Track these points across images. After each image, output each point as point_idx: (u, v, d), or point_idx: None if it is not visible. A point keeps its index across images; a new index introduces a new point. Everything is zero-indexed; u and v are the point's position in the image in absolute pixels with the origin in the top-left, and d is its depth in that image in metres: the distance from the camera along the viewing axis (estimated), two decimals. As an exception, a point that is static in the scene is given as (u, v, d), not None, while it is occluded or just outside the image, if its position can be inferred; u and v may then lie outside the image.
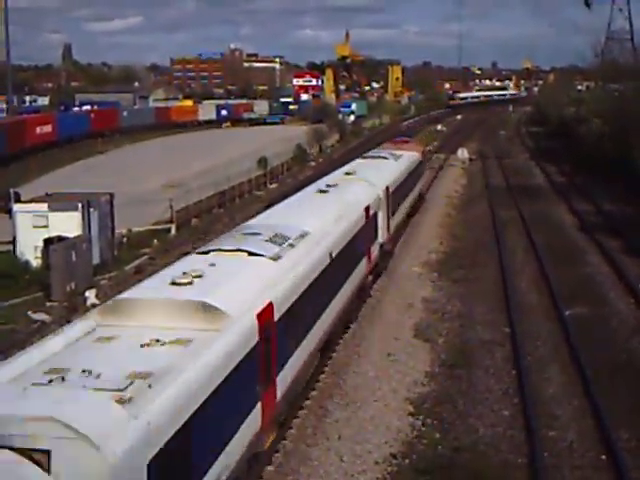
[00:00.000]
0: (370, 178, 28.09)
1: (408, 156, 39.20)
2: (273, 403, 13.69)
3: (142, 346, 10.67)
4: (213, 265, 13.94)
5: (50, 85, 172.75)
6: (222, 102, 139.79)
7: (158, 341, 10.80)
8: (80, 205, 29.75)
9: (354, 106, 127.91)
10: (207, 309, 11.82)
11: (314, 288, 16.19)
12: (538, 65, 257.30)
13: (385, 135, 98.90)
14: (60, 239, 27.97)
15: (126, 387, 9.23)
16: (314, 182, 28.10)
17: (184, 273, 13.12)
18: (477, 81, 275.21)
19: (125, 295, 12.77)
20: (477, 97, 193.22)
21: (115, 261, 31.77)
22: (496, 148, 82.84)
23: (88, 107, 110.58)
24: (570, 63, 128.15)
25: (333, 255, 18.64)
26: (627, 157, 46.91)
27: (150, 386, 9.40)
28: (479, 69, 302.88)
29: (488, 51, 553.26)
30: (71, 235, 28.36)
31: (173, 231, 38.31)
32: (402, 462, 15.36)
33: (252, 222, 19.84)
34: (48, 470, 8.14)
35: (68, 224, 29.15)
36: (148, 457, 8.82)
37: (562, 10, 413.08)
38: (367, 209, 24.38)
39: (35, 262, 29.03)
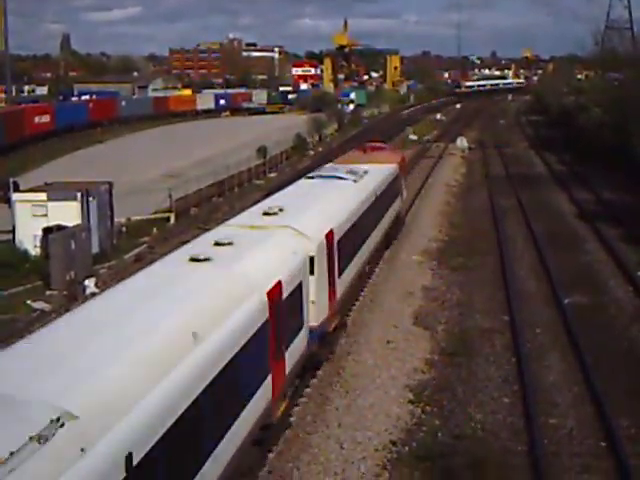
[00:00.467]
0: (302, 221, 18.30)
1: (378, 171, 28.65)
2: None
3: None
4: None
5: (49, 75, 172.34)
6: (220, 91, 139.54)
7: None
8: (79, 194, 29.72)
9: (353, 95, 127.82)
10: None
11: None
12: (537, 54, 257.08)
13: (385, 125, 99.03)
14: (59, 228, 27.97)
15: None
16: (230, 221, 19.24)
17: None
18: (476, 70, 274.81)
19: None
20: (483, 85, 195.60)
21: (114, 250, 31.76)
22: (496, 137, 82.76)
23: (87, 97, 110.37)
24: (570, 52, 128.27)
25: None
26: (627, 145, 46.85)
27: None
28: (478, 58, 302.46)
29: (487, 40, 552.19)
30: (70, 224, 28.34)
31: (172, 220, 38.30)
32: (402, 449, 15.38)
33: None
34: None
35: (67, 213, 29.12)
36: None
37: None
38: (274, 291, 14.35)
39: (34, 251, 29.02)
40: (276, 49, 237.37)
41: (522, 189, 46.27)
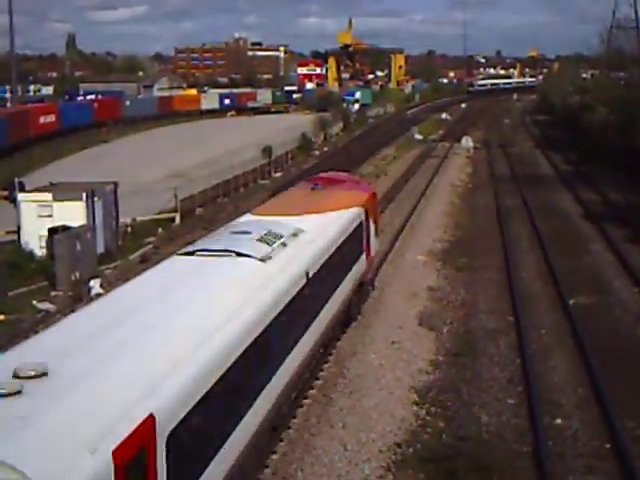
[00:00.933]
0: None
1: (322, 228, 18.55)
2: None
3: None
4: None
5: (54, 75, 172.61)
6: (225, 91, 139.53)
7: None
8: (84, 194, 29.74)
9: (358, 94, 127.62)
10: None
11: None
12: (543, 53, 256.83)
13: (390, 124, 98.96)
14: (64, 228, 28.00)
15: None
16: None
17: None
18: (481, 69, 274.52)
19: None
20: (497, 84, 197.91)
21: (119, 250, 31.78)
22: (501, 136, 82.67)
23: (92, 96, 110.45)
24: (575, 51, 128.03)
25: None
26: (633, 145, 46.75)
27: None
28: (484, 57, 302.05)
29: (492, 39, 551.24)
30: (75, 224, 28.37)
31: (177, 220, 38.32)
32: (406, 451, 15.37)
33: None
34: None
35: (72, 213, 29.14)
36: None
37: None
38: None
39: (40, 252, 29.04)
40: (281, 48, 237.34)
41: (527, 189, 46.21)
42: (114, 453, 7.93)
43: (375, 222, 24.50)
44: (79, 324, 10.95)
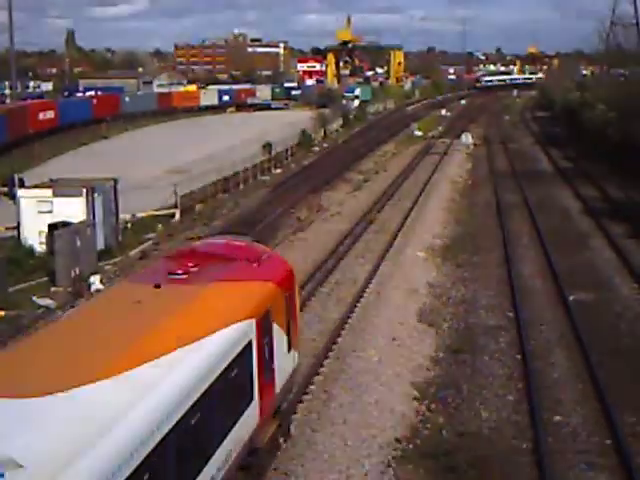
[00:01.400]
0: None
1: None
2: None
3: None
4: None
5: (54, 71, 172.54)
6: (224, 87, 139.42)
7: None
8: (84, 191, 29.72)
9: (358, 91, 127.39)
10: None
11: None
12: (543, 50, 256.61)
13: (389, 120, 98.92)
14: (64, 224, 27.99)
15: None
16: None
17: None
18: (481, 66, 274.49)
19: None
20: (504, 80, 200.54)
21: (119, 246, 31.77)
22: (501, 133, 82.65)
23: (92, 93, 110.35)
24: (575, 48, 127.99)
25: None
26: (632, 142, 46.73)
27: None
28: (483, 54, 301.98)
29: (492, 36, 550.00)
30: (75, 220, 28.36)
31: (177, 216, 38.30)
32: (406, 446, 15.39)
33: None
34: None
35: (72, 209, 29.13)
36: None
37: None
38: None
39: (40, 247, 29.04)
40: (281, 45, 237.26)
41: (527, 185, 46.21)
42: None
43: (289, 330, 14.76)
44: None
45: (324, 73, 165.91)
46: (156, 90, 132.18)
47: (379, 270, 27.27)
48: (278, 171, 56.19)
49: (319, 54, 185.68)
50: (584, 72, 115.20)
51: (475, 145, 70.13)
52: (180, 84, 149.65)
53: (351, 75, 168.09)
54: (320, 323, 21.92)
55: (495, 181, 49.03)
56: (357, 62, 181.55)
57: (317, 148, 69.86)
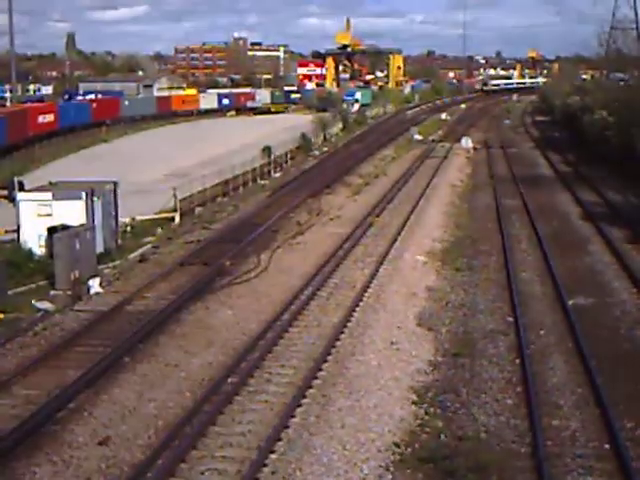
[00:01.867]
0: None
1: None
2: None
3: None
4: None
5: (54, 74, 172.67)
6: (224, 91, 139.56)
7: None
8: (84, 194, 29.73)
9: (358, 95, 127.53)
10: None
11: None
12: (543, 54, 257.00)
13: (389, 125, 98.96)
14: (64, 228, 27.98)
15: None
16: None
17: None
18: (481, 70, 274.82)
19: None
20: (511, 84, 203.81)
21: (119, 250, 31.78)
22: (501, 137, 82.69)
23: (92, 96, 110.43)
24: (575, 52, 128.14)
25: None
26: (632, 147, 46.76)
27: None
28: (483, 58, 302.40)
29: (492, 40, 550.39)
30: (75, 224, 28.36)
31: (177, 220, 38.33)
32: (405, 451, 15.39)
33: None
34: None
35: (72, 213, 29.13)
36: None
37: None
38: None
39: (39, 251, 29.04)
40: (281, 48, 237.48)
41: (527, 190, 46.22)
42: None
43: None
44: None
45: (324, 77, 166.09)
46: (156, 94, 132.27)
47: (378, 274, 27.26)
48: (278, 175, 56.23)
49: (319, 58, 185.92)
50: (583, 76, 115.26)
51: (475, 149, 70.23)
52: (180, 88, 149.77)
53: (351, 79, 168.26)
54: (319, 327, 21.92)
55: (495, 185, 49.03)
56: (356, 66, 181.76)
57: (317, 152, 69.89)
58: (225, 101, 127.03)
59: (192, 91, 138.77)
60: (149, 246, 32.84)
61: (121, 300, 24.10)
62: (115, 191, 32.56)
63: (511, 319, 22.97)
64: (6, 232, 31.71)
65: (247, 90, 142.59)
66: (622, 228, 34.60)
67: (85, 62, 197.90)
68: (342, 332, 21.31)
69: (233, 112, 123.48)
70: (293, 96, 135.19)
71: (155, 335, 21.11)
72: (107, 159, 62.83)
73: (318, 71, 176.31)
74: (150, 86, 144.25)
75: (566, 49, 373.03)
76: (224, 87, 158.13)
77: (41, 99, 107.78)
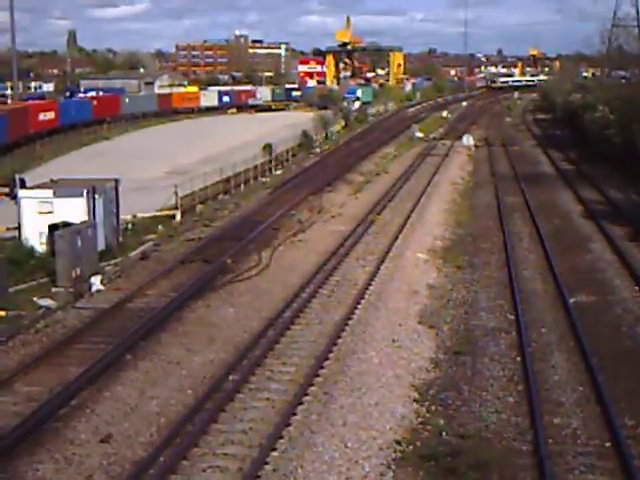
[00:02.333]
0: None
1: None
2: None
3: None
4: None
5: (55, 71, 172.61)
6: (224, 88, 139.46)
7: None
8: (85, 191, 29.73)
9: (359, 92, 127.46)
10: None
11: None
12: (544, 52, 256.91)
13: (390, 122, 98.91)
14: (65, 225, 27.98)
15: None
16: None
17: None
18: (482, 68, 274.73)
19: None
20: (519, 81, 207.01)
21: (120, 247, 31.78)
22: (502, 135, 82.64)
23: (93, 93, 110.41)
24: (576, 50, 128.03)
25: None
26: (633, 144, 46.74)
27: None
28: (485, 56, 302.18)
29: (494, 38, 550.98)
30: (76, 221, 28.36)
31: (178, 217, 38.32)
32: (406, 448, 15.38)
33: None
34: None
35: (73, 210, 29.13)
36: None
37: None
38: None
39: (40, 248, 29.04)
40: (282, 46, 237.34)
41: (528, 187, 46.21)
42: None
43: None
44: None
45: (325, 74, 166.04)
46: (157, 91, 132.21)
47: (379, 271, 27.26)
48: (279, 172, 56.21)
49: (321, 55, 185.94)
50: (584, 74, 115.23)
51: (476, 147, 70.21)
52: (181, 85, 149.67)
53: (352, 76, 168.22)
54: (320, 324, 21.93)
55: (496, 183, 49.03)
56: (357, 64, 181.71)
57: (318, 149, 69.85)
58: (226, 98, 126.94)
59: (193, 88, 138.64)
60: (150, 244, 32.85)
61: (122, 297, 24.12)
62: (116, 188, 32.54)
63: (512, 317, 22.97)
64: (7, 229, 31.72)
65: (248, 88, 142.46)
66: (623, 226, 34.58)
67: (86, 59, 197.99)
68: (343, 330, 21.32)
69: (234, 109, 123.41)
70: (294, 94, 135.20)
71: (157, 333, 21.13)
72: (108, 156, 62.81)
73: (319, 69, 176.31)
74: (151, 83, 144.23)
75: (567, 47, 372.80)
76: (225, 85, 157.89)
77: (42, 97, 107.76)
